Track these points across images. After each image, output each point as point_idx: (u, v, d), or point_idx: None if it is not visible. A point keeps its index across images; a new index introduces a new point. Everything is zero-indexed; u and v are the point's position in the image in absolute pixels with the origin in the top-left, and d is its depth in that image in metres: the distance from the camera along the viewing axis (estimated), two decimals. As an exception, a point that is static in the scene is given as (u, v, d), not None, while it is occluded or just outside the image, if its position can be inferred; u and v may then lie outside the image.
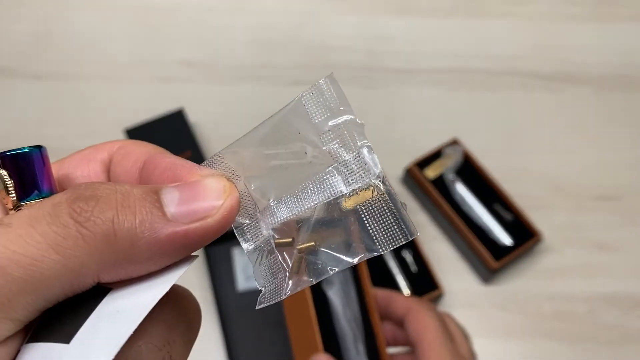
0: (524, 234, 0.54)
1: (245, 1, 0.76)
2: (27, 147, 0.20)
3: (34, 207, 0.15)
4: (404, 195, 0.60)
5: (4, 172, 0.19)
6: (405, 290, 0.51)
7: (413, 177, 0.58)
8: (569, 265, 0.56)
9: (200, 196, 0.17)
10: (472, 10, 0.76)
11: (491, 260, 0.52)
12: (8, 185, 0.19)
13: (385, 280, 0.52)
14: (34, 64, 0.69)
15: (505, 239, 0.54)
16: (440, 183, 0.57)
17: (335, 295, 0.37)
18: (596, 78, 0.70)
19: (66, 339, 0.15)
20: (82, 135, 0.64)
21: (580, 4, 0.76)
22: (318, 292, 0.36)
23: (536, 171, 0.62)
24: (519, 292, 0.54)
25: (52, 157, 0.65)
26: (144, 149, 0.21)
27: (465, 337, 0.36)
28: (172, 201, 0.16)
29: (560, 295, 0.54)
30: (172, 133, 0.60)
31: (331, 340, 0.36)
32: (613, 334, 0.52)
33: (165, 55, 0.71)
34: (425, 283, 0.51)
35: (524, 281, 0.55)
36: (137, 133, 0.60)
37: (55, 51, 0.71)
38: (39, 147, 0.20)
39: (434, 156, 0.59)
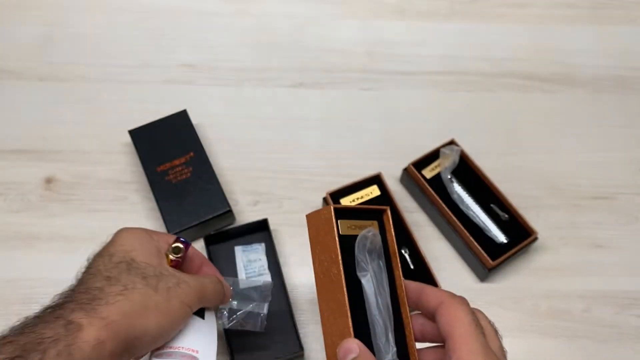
0: (520, 233, 0.55)
1: (247, 5, 0.77)
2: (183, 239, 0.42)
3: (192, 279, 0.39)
4: (402, 194, 0.61)
5: (182, 246, 0.41)
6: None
7: (411, 177, 0.59)
8: (565, 264, 0.57)
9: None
10: (470, 13, 0.77)
11: (488, 258, 0.52)
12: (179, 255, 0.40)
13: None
14: (39, 67, 0.70)
15: (502, 237, 0.55)
16: (437, 183, 0.58)
17: (368, 284, 0.37)
18: (591, 79, 0.71)
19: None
20: (87, 137, 0.65)
21: (576, 6, 0.78)
22: (352, 279, 0.37)
23: (532, 171, 0.63)
24: (516, 290, 0.55)
25: (56, 158, 0.66)
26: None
27: (496, 332, 0.36)
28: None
29: (556, 293, 0.55)
30: (176, 134, 0.61)
31: (362, 327, 0.36)
32: (608, 332, 0.53)
33: (168, 58, 0.72)
34: (422, 280, 0.52)
35: (520, 279, 0.56)
36: (140, 134, 0.61)
37: (59, 54, 0.72)
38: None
39: (431, 156, 0.60)
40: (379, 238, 0.39)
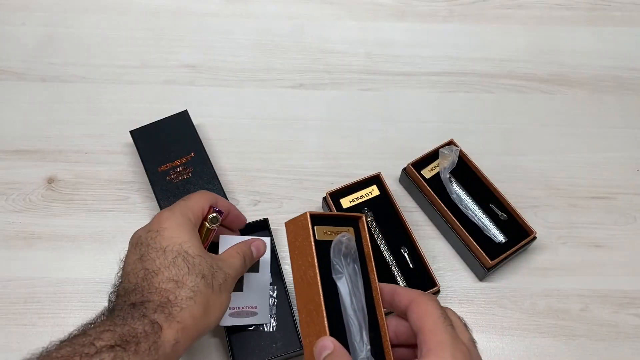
0: (519, 233, 0.55)
1: (247, 6, 0.78)
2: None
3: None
4: (401, 194, 0.62)
5: (218, 216, 0.45)
6: (402, 284, 0.52)
7: (410, 177, 0.59)
8: (563, 263, 0.57)
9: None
10: (469, 14, 0.77)
11: (486, 258, 0.53)
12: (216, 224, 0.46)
13: (383, 277, 0.53)
14: (40, 67, 0.71)
15: (500, 237, 0.55)
16: (436, 183, 0.58)
17: (343, 286, 0.39)
18: (590, 80, 0.71)
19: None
20: (88, 137, 0.65)
21: (574, 8, 0.78)
22: (328, 282, 0.38)
23: (531, 171, 0.63)
24: (514, 289, 0.55)
25: (58, 158, 0.67)
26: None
27: (465, 326, 0.37)
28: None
29: (554, 292, 0.55)
30: (177, 134, 0.61)
31: (338, 327, 0.37)
32: (606, 331, 0.53)
33: (169, 59, 0.72)
34: (422, 280, 0.52)
35: (519, 279, 0.56)
36: (142, 134, 0.61)
37: (60, 54, 0.72)
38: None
39: (430, 157, 0.60)
40: (353, 242, 0.41)
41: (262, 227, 0.57)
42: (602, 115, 0.68)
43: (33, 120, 0.66)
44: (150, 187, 0.59)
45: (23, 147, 0.64)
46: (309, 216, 0.39)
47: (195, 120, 0.63)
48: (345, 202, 0.58)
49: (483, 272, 0.54)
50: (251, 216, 0.59)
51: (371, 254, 0.42)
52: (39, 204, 0.60)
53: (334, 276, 0.39)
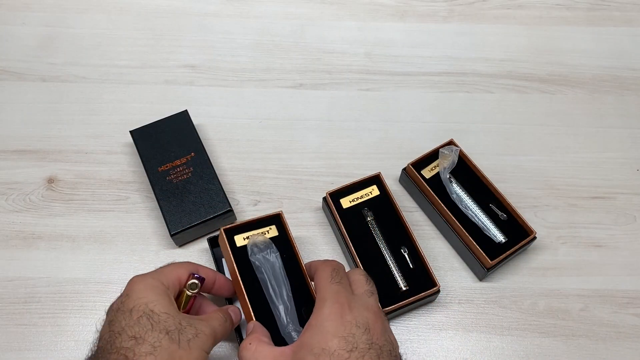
0: (519, 233, 0.55)
1: (247, 6, 0.78)
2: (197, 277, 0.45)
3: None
4: (401, 194, 0.62)
5: (197, 282, 0.45)
6: (403, 284, 0.52)
7: (410, 177, 0.59)
8: (563, 263, 0.57)
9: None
10: (468, 14, 0.77)
11: (486, 258, 0.53)
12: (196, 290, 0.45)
13: (383, 276, 0.53)
14: (40, 67, 0.71)
15: (500, 237, 0.55)
16: (436, 183, 0.58)
17: (263, 277, 0.50)
18: (590, 80, 0.71)
19: None
20: (88, 137, 0.65)
21: (574, 8, 0.78)
22: (249, 274, 0.51)
23: (531, 171, 0.63)
24: (514, 289, 0.55)
25: (58, 158, 0.67)
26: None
27: (367, 280, 0.43)
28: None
29: (554, 292, 0.55)
30: (177, 134, 0.61)
31: (267, 310, 0.49)
32: (606, 331, 0.53)
33: (169, 59, 0.72)
34: (422, 280, 0.52)
35: (519, 279, 0.56)
36: (142, 134, 0.61)
37: (60, 54, 0.72)
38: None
39: (430, 157, 0.60)
40: (266, 238, 0.52)
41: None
42: (602, 115, 0.68)
43: (33, 120, 0.66)
44: (150, 187, 0.59)
45: (23, 147, 0.64)
46: (222, 231, 0.51)
47: (195, 120, 0.63)
48: (345, 202, 0.58)
49: (483, 272, 0.54)
50: (251, 216, 0.59)
51: (294, 242, 0.52)
52: (39, 204, 0.60)
53: (255, 271, 0.51)
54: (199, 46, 0.74)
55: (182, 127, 0.62)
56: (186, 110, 0.63)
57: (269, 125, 0.67)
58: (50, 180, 0.62)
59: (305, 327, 0.39)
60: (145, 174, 0.59)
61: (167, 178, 0.58)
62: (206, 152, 0.60)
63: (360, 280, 0.43)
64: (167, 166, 0.59)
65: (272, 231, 0.54)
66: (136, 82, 0.70)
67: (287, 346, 0.40)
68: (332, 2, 0.78)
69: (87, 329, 0.53)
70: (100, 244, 0.58)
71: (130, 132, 0.62)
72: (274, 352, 0.40)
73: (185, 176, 0.58)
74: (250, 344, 0.41)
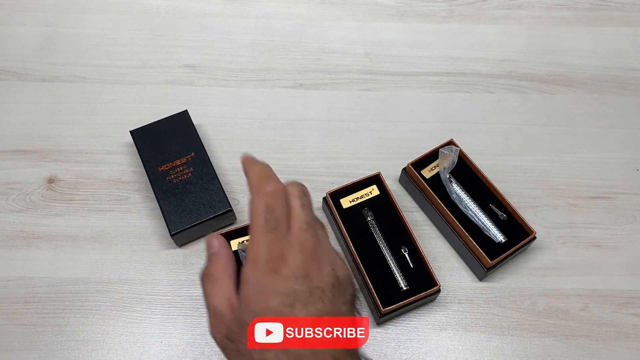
0: (519, 233, 0.55)
1: (247, 7, 0.78)
2: None
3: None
4: (401, 194, 0.62)
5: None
6: (403, 284, 0.52)
7: (410, 177, 0.59)
8: (563, 263, 0.57)
9: None
10: (468, 14, 0.77)
11: (486, 258, 0.53)
12: None
13: (384, 276, 0.53)
14: (40, 67, 0.71)
15: (500, 237, 0.55)
16: (436, 183, 0.59)
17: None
18: (589, 80, 0.71)
19: None
20: (88, 137, 0.65)
21: (574, 8, 0.78)
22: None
23: (530, 171, 0.63)
24: (514, 289, 0.55)
25: (58, 158, 0.67)
26: None
27: (303, 207, 0.38)
28: None
29: (554, 292, 0.55)
30: (177, 134, 0.61)
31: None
32: (606, 331, 0.53)
33: (169, 59, 0.72)
34: (422, 280, 0.53)
35: (519, 278, 0.56)
36: (142, 134, 0.61)
37: (60, 54, 0.72)
38: None
39: (430, 157, 0.60)
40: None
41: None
42: (602, 115, 0.68)
43: (33, 120, 0.66)
44: (150, 187, 0.59)
45: (23, 147, 0.64)
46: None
47: (195, 120, 0.63)
48: (345, 202, 0.58)
49: (483, 272, 0.54)
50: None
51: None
52: (39, 204, 0.60)
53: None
54: (199, 46, 0.74)
55: (182, 127, 0.62)
56: (186, 110, 0.63)
57: (269, 125, 0.67)
58: (50, 180, 0.62)
59: (242, 279, 0.37)
60: (145, 174, 0.59)
61: (167, 178, 0.58)
62: (206, 152, 0.60)
63: (296, 209, 0.38)
64: (167, 166, 0.59)
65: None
66: (136, 82, 0.70)
67: (237, 296, 0.37)
68: (332, 2, 0.78)
69: (87, 329, 0.53)
70: (100, 244, 0.58)
71: (130, 132, 0.62)
72: (230, 299, 0.37)
73: (185, 176, 0.58)
74: (212, 275, 0.38)
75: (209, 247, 0.39)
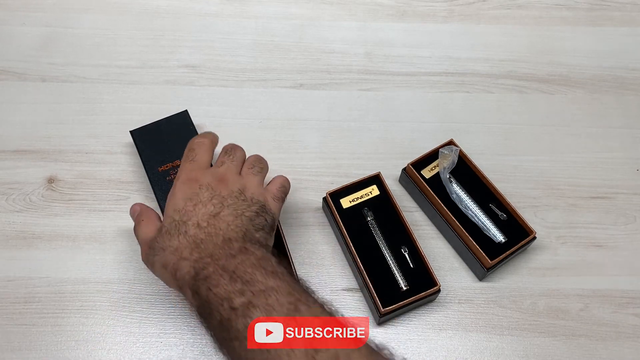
0: (519, 233, 0.55)
1: (247, 6, 0.78)
2: None
3: None
4: (401, 194, 0.62)
5: None
6: (403, 284, 0.52)
7: (410, 177, 0.59)
8: (563, 263, 0.57)
9: None
10: (468, 14, 0.77)
11: (486, 258, 0.53)
12: None
13: (384, 276, 0.53)
14: (40, 67, 0.71)
15: (500, 237, 0.55)
16: (436, 183, 0.59)
17: None
18: (590, 80, 0.71)
19: None
20: (88, 137, 0.65)
21: (574, 8, 0.78)
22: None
23: (530, 171, 0.63)
24: (514, 289, 0.55)
25: (58, 158, 0.67)
26: None
27: (226, 156, 0.51)
28: None
29: (554, 292, 0.55)
30: (177, 134, 0.61)
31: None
32: (606, 331, 0.53)
33: (169, 59, 0.72)
34: (422, 279, 0.53)
35: (519, 278, 0.56)
36: (142, 134, 0.61)
37: (60, 54, 0.72)
38: None
39: (430, 156, 0.60)
40: None
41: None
42: (602, 115, 0.68)
43: (33, 120, 0.66)
44: (150, 187, 0.59)
45: (23, 147, 0.64)
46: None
47: (195, 120, 0.63)
48: (345, 202, 0.58)
49: (483, 272, 0.54)
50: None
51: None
52: (39, 204, 0.60)
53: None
54: (199, 46, 0.74)
55: (182, 127, 0.62)
56: (186, 111, 0.63)
57: (269, 125, 0.67)
58: (50, 180, 0.62)
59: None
60: (145, 174, 0.59)
61: (168, 178, 0.58)
62: (206, 152, 0.60)
63: (219, 155, 0.51)
64: (167, 166, 0.59)
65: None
66: (136, 82, 0.70)
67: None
68: (332, 2, 0.78)
69: (87, 329, 0.53)
70: (100, 244, 0.58)
71: (130, 132, 0.62)
72: (152, 227, 0.47)
73: (185, 176, 0.58)
74: (142, 220, 0.48)
75: (132, 213, 0.51)
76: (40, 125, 0.66)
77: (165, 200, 0.56)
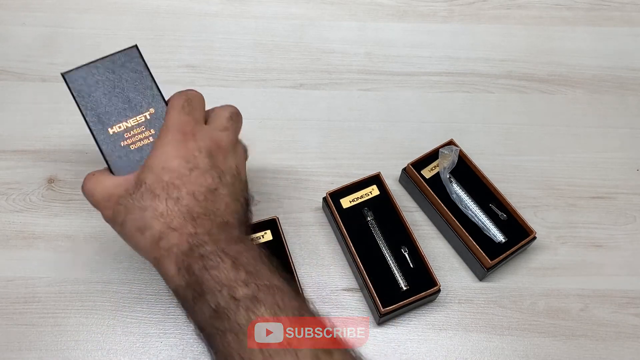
0: (519, 233, 0.55)
1: (247, 6, 0.78)
2: None
3: None
4: (401, 194, 0.62)
5: None
6: (403, 284, 0.52)
7: (410, 176, 0.59)
8: (563, 263, 0.57)
9: None
10: (468, 14, 0.77)
11: (486, 258, 0.53)
12: None
13: (383, 276, 0.53)
14: (40, 67, 0.71)
15: (500, 237, 0.55)
16: (436, 183, 0.59)
17: None
18: (590, 80, 0.71)
19: None
20: (88, 137, 0.65)
21: (574, 8, 0.78)
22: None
23: (530, 171, 0.63)
24: (514, 289, 0.55)
25: (58, 158, 0.66)
26: None
27: (227, 121, 0.44)
28: None
29: (554, 292, 0.55)
30: (126, 80, 0.56)
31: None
32: (606, 331, 0.53)
33: (169, 59, 0.72)
34: (422, 279, 0.53)
35: (519, 278, 0.56)
36: (79, 79, 0.57)
37: (60, 54, 0.72)
38: None
39: (430, 156, 0.60)
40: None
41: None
42: (602, 115, 0.68)
43: (33, 120, 0.66)
44: (100, 156, 0.57)
45: (23, 147, 0.64)
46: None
47: (195, 120, 0.63)
48: (345, 202, 0.58)
49: (483, 272, 0.54)
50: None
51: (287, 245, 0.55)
52: (39, 204, 0.60)
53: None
54: (199, 46, 0.74)
55: (132, 70, 0.59)
56: (136, 46, 0.59)
57: (269, 125, 0.67)
58: (50, 180, 0.62)
59: (152, 148, 0.41)
60: (91, 136, 0.58)
61: (122, 143, 0.55)
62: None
63: (221, 116, 0.44)
64: (120, 127, 0.56)
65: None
66: (136, 82, 0.70)
67: (131, 174, 0.41)
68: (332, 2, 0.78)
69: (87, 329, 0.53)
70: (100, 244, 0.58)
71: (62, 74, 0.56)
72: (116, 180, 0.41)
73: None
74: (93, 174, 0.42)
75: (83, 189, 0.44)
76: (40, 125, 0.66)
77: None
